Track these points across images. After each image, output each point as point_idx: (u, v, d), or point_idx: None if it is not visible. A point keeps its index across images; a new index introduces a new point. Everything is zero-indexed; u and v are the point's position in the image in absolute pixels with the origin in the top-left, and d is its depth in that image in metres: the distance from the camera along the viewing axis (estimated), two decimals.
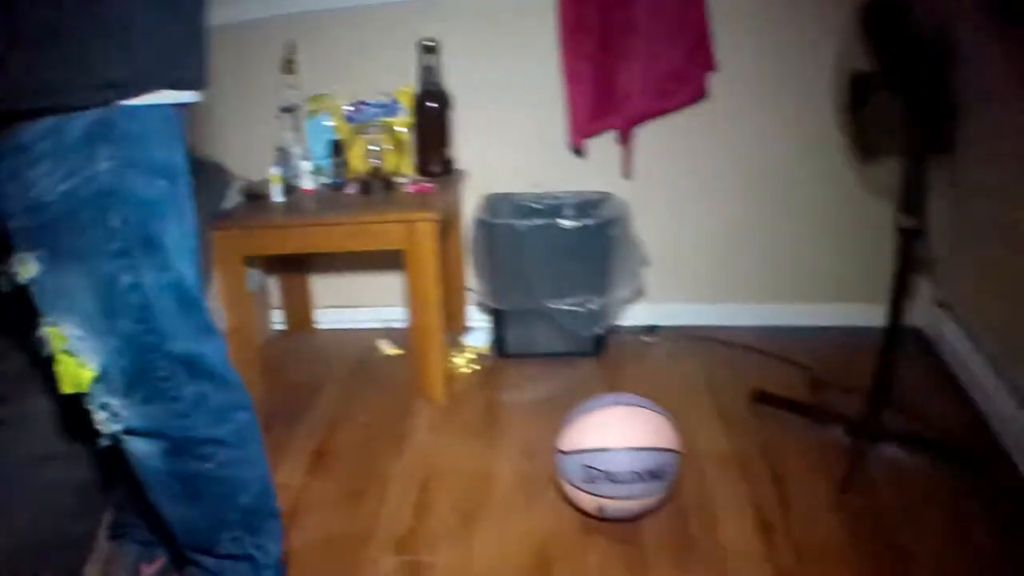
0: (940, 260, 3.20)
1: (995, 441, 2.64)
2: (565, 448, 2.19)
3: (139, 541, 1.90)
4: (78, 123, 1.26)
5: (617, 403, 2.24)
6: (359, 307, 3.51)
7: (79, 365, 1.37)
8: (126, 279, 1.36)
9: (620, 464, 2.10)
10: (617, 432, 2.15)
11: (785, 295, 3.48)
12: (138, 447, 1.48)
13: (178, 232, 1.43)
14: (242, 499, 1.61)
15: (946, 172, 3.03)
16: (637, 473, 2.11)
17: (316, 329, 3.44)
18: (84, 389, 1.39)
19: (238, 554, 1.63)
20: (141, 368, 1.42)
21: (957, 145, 2.90)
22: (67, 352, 1.36)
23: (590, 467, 2.12)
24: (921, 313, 3.28)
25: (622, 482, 2.11)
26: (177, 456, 1.49)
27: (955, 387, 2.96)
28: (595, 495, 2.15)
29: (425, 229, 2.63)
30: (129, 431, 1.45)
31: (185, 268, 1.45)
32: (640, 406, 2.23)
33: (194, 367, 1.48)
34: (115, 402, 1.41)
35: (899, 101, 2.20)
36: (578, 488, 2.17)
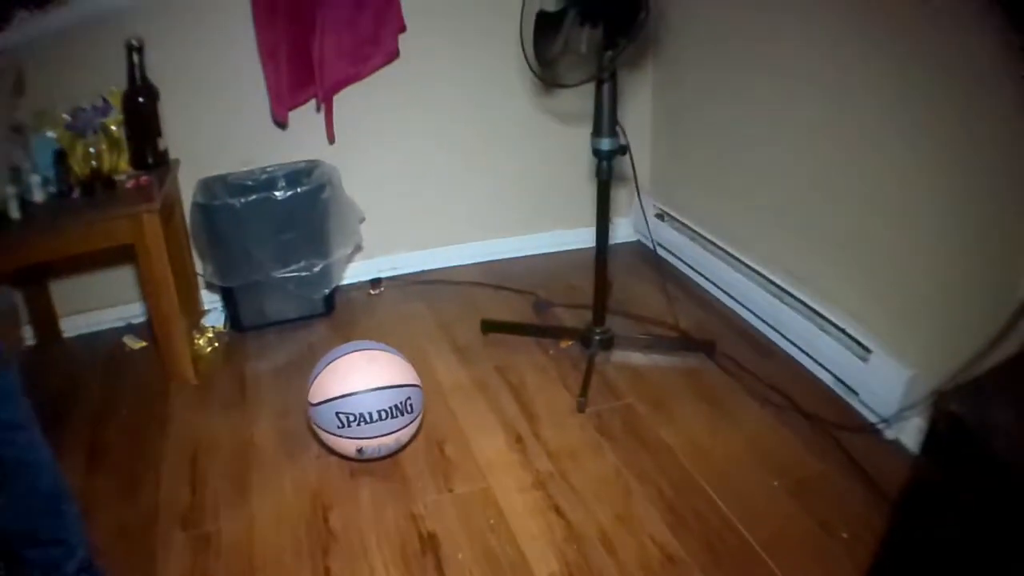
0: (650, 174, 3.96)
1: (735, 324, 3.31)
2: (314, 400, 2.62)
3: None
4: None
5: (354, 350, 2.68)
6: (100, 308, 3.89)
7: None
8: None
9: (367, 405, 2.56)
10: (358, 376, 2.59)
11: (500, 230, 4.13)
12: None
13: None
14: (45, 481, 1.96)
15: (645, 82, 3.75)
16: (384, 411, 2.59)
17: (65, 338, 3.75)
18: None
19: (53, 539, 1.93)
20: None
21: (650, 62, 3.57)
22: None
23: (340, 412, 2.57)
24: (640, 226, 4.00)
25: (373, 421, 2.58)
26: None
27: (683, 286, 3.65)
28: (351, 438, 2.61)
29: (149, 220, 3.02)
30: None
31: None
32: (375, 349, 2.70)
33: None
34: None
35: (590, 32, 2.65)
36: (334, 434, 2.61)
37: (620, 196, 4.04)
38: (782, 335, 3.13)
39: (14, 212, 3.01)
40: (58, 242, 3.03)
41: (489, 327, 3.44)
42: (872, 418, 2.64)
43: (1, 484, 1.85)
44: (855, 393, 2.72)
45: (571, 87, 2.80)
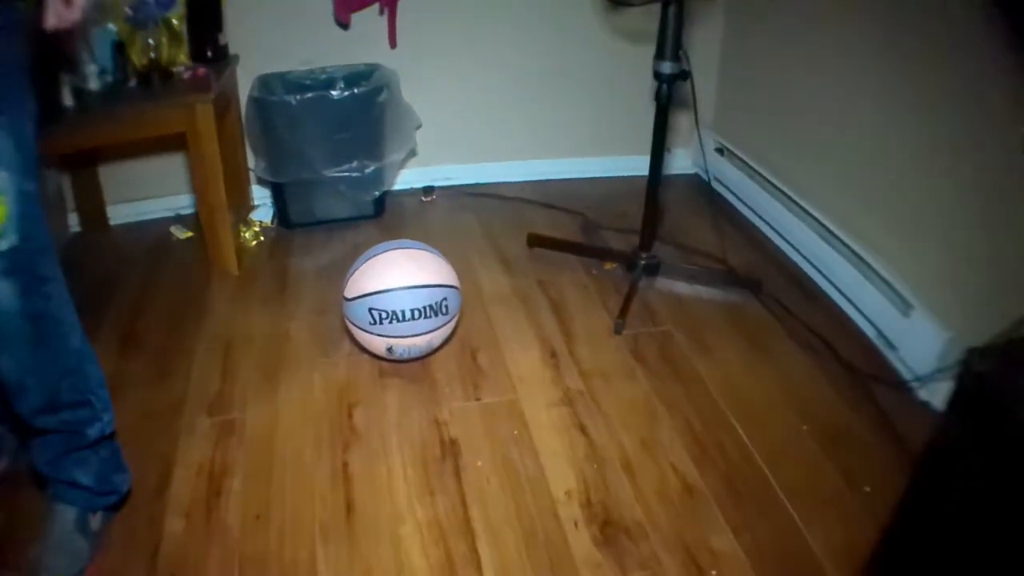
0: (713, 107, 3.90)
1: (784, 266, 3.29)
2: (349, 295, 2.63)
3: None
4: None
5: (393, 248, 2.68)
6: (149, 198, 3.94)
7: (2, 203, 1.70)
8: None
9: (401, 303, 2.57)
10: (395, 274, 2.59)
11: (556, 150, 4.13)
12: (1, 291, 1.78)
13: None
14: (74, 341, 1.99)
15: (717, 11, 3.70)
16: (418, 310, 2.59)
17: (111, 226, 3.74)
18: (1, 227, 1.71)
19: (79, 400, 1.92)
20: (20, 203, 1.76)
21: None
22: None
23: (373, 309, 2.58)
24: (698, 159, 4.01)
25: (406, 320, 2.59)
26: (29, 295, 1.74)
27: (737, 224, 3.64)
28: (383, 336, 2.62)
29: (202, 111, 3.04)
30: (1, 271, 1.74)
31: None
32: (415, 248, 2.69)
33: (38, 204, 1.83)
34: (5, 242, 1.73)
35: None
36: (366, 331, 2.63)
37: (681, 125, 4.03)
38: (829, 281, 3.11)
39: (67, 99, 3.03)
40: (109, 128, 3.05)
41: (535, 241, 3.46)
42: (907, 375, 2.61)
43: (41, 342, 1.89)
44: (894, 348, 2.69)
45: (637, 5, 2.76)
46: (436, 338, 2.68)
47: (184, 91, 3.12)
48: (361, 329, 2.60)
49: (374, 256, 2.61)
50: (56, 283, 1.91)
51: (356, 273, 2.59)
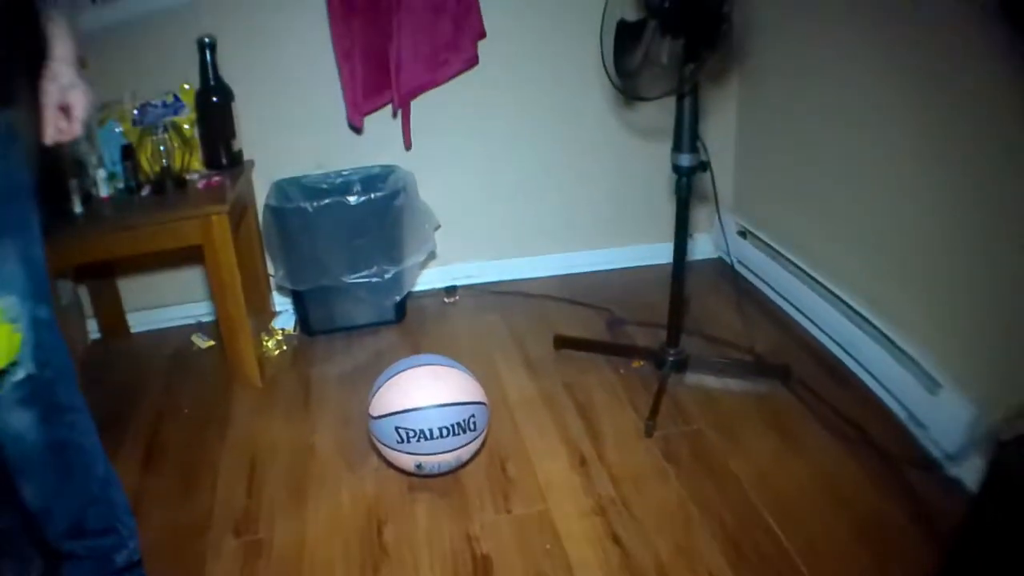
0: (733, 190, 3.92)
1: (811, 348, 3.25)
2: (375, 413, 2.61)
3: (16, 556, 2.26)
4: None
5: (418, 364, 2.66)
6: (169, 306, 3.94)
7: (13, 331, 1.71)
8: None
9: (429, 421, 2.54)
10: (421, 392, 2.58)
11: (577, 243, 4.12)
12: (20, 421, 1.74)
13: None
14: (98, 468, 1.99)
15: (729, 97, 3.73)
16: (446, 427, 2.57)
17: (131, 333, 3.76)
18: (15, 357, 1.71)
19: (104, 527, 2.00)
20: (34, 330, 1.76)
21: (735, 76, 3.57)
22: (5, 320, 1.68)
23: (400, 428, 2.56)
24: (720, 243, 3.96)
25: (434, 438, 2.56)
26: (49, 424, 1.76)
27: (762, 307, 3.61)
28: (411, 453, 2.59)
29: (219, 222, 3.04)
30: (17, 401, 1.76)
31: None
32: (440, 364, 2.67)
33: (54, 331, 1.83)
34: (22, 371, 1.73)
35: (671, 44, 2.61)
36: (393, 449, 2.60)
37: (701, 211, 4.00)
38: (857, 361, 3.05)
39: (76, 206, 3.05)
40: (124, 240, 3.06)
41: (561, 343, 3.42)
42: (938, 453, 2.58)
43: (65, 471, 1.89)
44: (924, 427, 2.65)
45: (651, 100, 2.76)
46: (465, 453, 2.62)
47: (199, 201, 3.12)
48: (388, 447, 2.55)
49: (398, 373, 2.58)
50: (78, 411, 1.91)
51: (381, 390, 2.55)
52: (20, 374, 1.74)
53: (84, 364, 3.57)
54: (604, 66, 2.68)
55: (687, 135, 2.76)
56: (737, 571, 2.28)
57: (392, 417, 2.56)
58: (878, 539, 2.34)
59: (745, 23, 3.43)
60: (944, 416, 2.56)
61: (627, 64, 2.69)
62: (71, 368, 1.90)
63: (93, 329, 3.85)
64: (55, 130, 1.84)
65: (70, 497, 1.94)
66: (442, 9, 3.51)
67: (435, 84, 3.68)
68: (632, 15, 2.65)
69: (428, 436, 2.54)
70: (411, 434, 2.54)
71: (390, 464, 2.71)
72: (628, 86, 2.76)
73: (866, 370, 3.02)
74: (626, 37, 2.67)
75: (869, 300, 3.01)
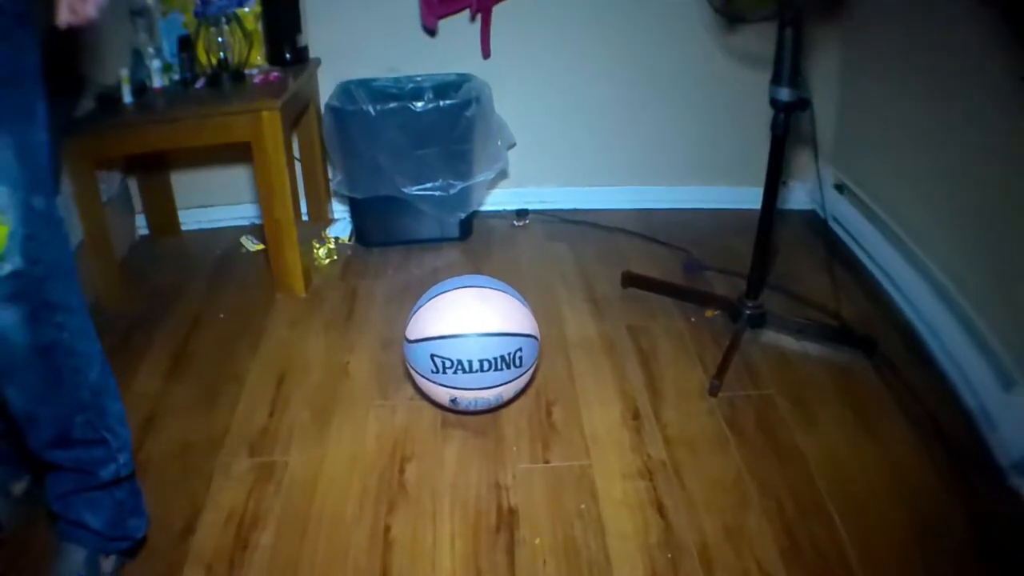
0: (833, 139, 3.61)
1: (898, 322, 2.97)
2: (411, 336, 2.39)
3: (4, 462, 2.19)
4: None
5: (466, 285, 2.43)
6: (222, 205, 3.83)
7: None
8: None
9: (469, 351, 2.30)
10: (463, 316, 2.34)
11: (660, 178, 3.87)
12: (4, 319, 1.67)
13: None
14: (91, 374, 1.86)
15: (835, 37, 3.43)
16: (488, 360, 2.33)
17: (182, 231, 3.72)
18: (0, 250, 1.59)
19: (92, 438, 1.88)
20: (25, 222, 1.64)
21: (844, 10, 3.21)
22: None
23: (436, 356, 2.33)
24: (815, 195, 3.70)
25: (473, 371, 2.32)
26: (37, 324, 1.70)
27: (852, 269, 3.33)
28: (446, 386, 2.37)
29: (270, 119, 2.88)
30: (2, 298, 1.64)
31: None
32: (490, 288, 2.43)
33: (52, 223, 1.72)
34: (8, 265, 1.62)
35: None
36: (427, 379, 2.38)
37: (798, 158, 3.72)
38: (941, 343, 2.80)
39: (126, 96, 2.93)
40: (167, 132, 2.93)
41: (630, 280, 3.17)
42: (1004, 461, 2.34)
43: (52, 375, 1.76)
44: (995, 428, 2.42)
45: (752, 23, 2.54)
46: (507, 391, 2.38)
47: (251, 96, 2.96)
48: (423, 376, 2.34)
49: (441, 294, 2.35)
50: (72, 312, 1.77)
51: (419, 312, 2.35)
52: (5, 269, 1.61)
53: (127, 261, 3.48)
54: None
55: (787, 66, 2.49)
56: (788, 566, 2.03)
57: (428, 343, 2.32)
58: (935, 548, 2.10)
59: None
60: (1016, 418, 2.32)
61: None
62: (68, 264, 1.77)
63: (142, 225, 3.78)
64: (68, 10, 1.71)
65: (57, 404, 1.81)
66: None
67: None
68: None
69: (467, 368, 2.30)
70: (447, 364, 2.30)
71: (424, 395, 2.51)
72: (727, 6, 2.52)
73: (948, 354, 2.76)
74: None
75: (957, 281, 2.76)
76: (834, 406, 2.58)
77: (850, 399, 2.61)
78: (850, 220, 3.55)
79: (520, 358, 2.36)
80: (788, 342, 2.89)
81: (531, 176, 3.76)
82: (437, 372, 2.33)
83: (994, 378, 2.45)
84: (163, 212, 3.76)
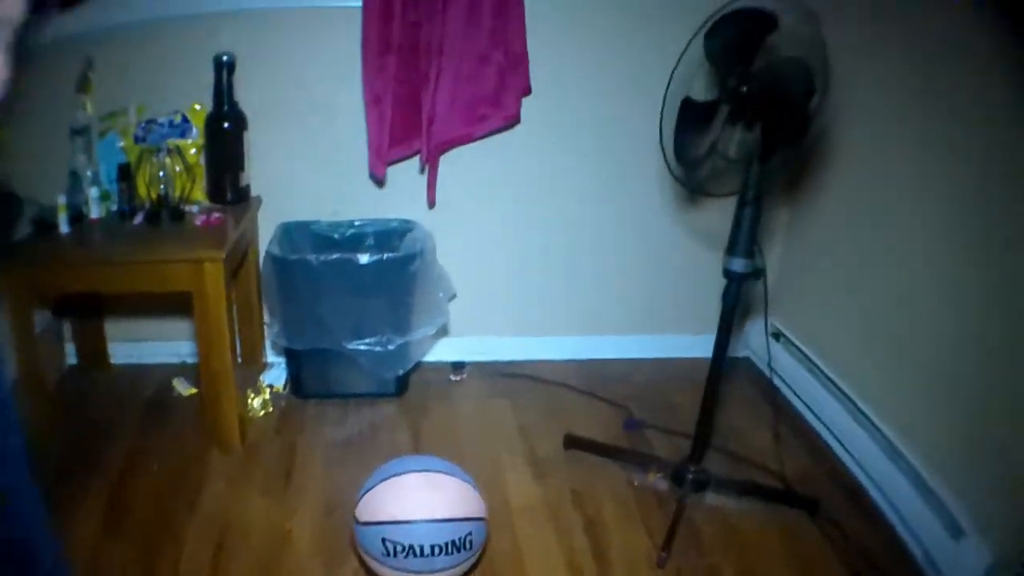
0: (771, 285, 3.50)
1: (840, 474, 2.99)
2: (361, 518, 2.33)
3: None
4: None
5: (415, 469, 2.39)
6: (154, 340, 3.72)
7: None
8: None
9: (421, 537, 2.25)
10: (415, 503, 2.30)
11: (599, 327, 3.82)
12: None
13: None
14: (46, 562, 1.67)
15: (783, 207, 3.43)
16: (439, 546, 2.27)
17: (111, 364, 3.61)
18: None
19: None
20: None
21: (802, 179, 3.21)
22: None
23: (388, 540, 2.27)
24: (749, 343, 3.69)
25: (424, 555, 2.27)
26: None
27: (790, 420, 3.35)
28: (397, 569, 2.30)
29: (212, 271, 2.79)
30: None
31: None
32: (440, 471, 2.39)
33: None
34: None
35: (742, 135, 2.37)
36: (377, 561, 2.32)
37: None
38: (884, 494, 2.82)
39: (63, 225, 2.86)
40: (105, 275, 2.86)
41: (572, 443, 3.11)
42: None
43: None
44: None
45: (716, 197, 2.54)
46: (457, 572, 2.33)
47: (194, 241, 2.88)
48: (373, 558, 2.28)
49: (392, 476, 2.33)
50: (23, 499, 1.57)
51: (371, 493, 2.31)
52: None
53: (57, 393, 3.40)
54: (662, 148, 2.42)
55: (744, 238, 2.48)
56: None
57: (380, 527, 2.26)
58: None
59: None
60: (966, 566, 2.35)
61: (689, 151, 2.43)
62: (19, 447, 1.57)
63: (71, 353, 3.65)
64: None
65: None
66: (488, 59, 3.24)
67: (470, 139, 3.40)
68: (700, 92, 2.39)
69: (418, 553, 2.24)
70: (399, 548, 2.24)
71: (371, 573, 2.39)
72: (688, 176, 2.51)
73: (892, 505, 2.78)
74: (691, 119, 2.41)
75: (903, 430, 2.79)
76: (779, 568, 2.58)
77: (797, 562, 2.60)
78: (787, 369, 3.56)
79: (470, 541, 2.31)
80: (731, 505, 2.86)
81: (469, 325, 3.67)
82: (388, 555, 2.27)
83: (941, 527, 2.46)
84: (93, 344, 3.63)
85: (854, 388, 3.09)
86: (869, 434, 2.93)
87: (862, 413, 2.99)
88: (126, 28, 3.17)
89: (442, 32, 3.13)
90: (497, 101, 3.35)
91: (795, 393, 3.48)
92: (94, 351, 3.65)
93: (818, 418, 3.30)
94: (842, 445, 3.12)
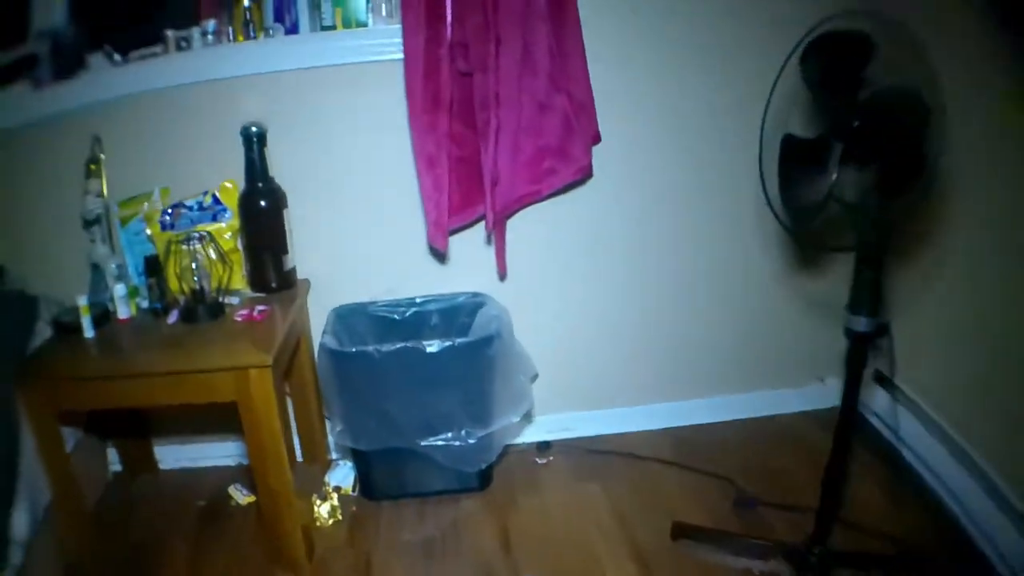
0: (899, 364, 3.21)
1: (967, 541, 2.64)
2: None
3: None
4: None
5: None
6: (205, 439, 3.41)
7: None
8: None
9: None
10: None
11: (689, 391, 3.52)
12: None
13: None
14: None
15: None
16: None
17: (159, 469, 3.40)
18: None
19: None
20: None
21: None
22: None
23: None
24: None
25: None
26: None
27: (909, 482, 3.00)
28: None
29: (259, 379, 2.49)
30: None
31: None
32: None
33: None
34: None
35: (857, 175, 2.08)
36: None
37: (833, 347, 3.21)
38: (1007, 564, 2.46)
39: (87, 329, 2.59)
40: (138, 389, 2.55)
41: (681, 532, 2.77)
42: None
43: None
44: None
45: (837, 251, 2.22)
46: None
47: (235, 344, 2.55)
48: None
49: None
50: None
51: None
52: None
53: (100, 507, 3.08)
54: (765, 193, 2.15)
55: (869, 293, 2.19)
56: None
57: None
58: None
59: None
60: None
61: (799, 195, 2.13)
62: None
63: (114, 459, 3.33)
64: None
65: None
66: (550, 106, 2.88)
67: (538, 196, 3.06)
68: (799, 127, 2.12)
69: None
70: None
71: None
72: (798, 224, 2.22)
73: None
74: (797, 157, 2.11)
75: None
76: None
77: None
78: (903, 423, 3.16)
79: None
80: None
81: (551, 403, 3.34)
82: None
83: None
84: (137, 447, 3.33)
85: (976, 447, 2.76)
86: (986, 490, 2.64)
87: (979, 469, 2.68)
88: (134, 99, 2.90)
89: (496, 80, 2.77)
90: (565, 152, 2.99)
91: (907, 445, 3.13)
92: (139, 454, 3.36)
93: (930, 469, 2.98)
94: (958, 500, 2.83)
